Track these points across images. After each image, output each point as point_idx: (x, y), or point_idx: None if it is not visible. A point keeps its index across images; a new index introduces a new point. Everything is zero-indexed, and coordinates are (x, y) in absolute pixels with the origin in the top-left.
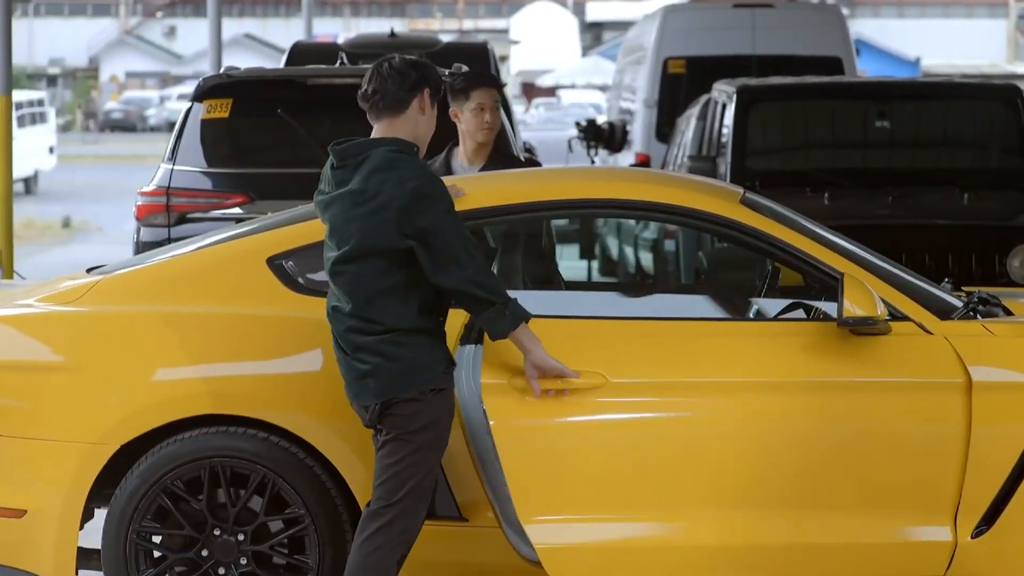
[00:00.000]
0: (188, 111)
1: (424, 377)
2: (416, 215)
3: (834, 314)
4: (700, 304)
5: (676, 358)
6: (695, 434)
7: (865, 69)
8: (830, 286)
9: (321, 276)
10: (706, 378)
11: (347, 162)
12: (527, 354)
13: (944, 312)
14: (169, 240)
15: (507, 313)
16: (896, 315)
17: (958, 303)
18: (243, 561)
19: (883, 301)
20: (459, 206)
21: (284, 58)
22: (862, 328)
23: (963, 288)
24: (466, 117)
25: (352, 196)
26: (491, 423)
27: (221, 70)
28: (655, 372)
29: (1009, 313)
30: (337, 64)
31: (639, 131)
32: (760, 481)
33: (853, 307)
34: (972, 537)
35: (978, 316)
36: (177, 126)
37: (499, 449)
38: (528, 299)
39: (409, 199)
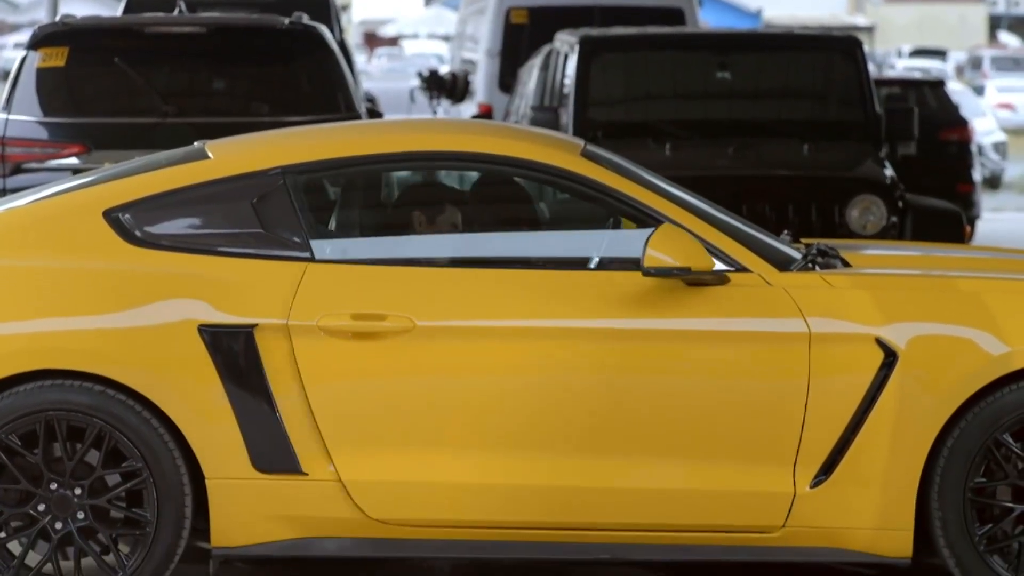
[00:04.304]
0: (23, 60)
1: None
2: None
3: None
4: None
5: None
6: (489, 379)
7: (707, 20)
8: None
9: (159, 229)
10: (508, 322)
11: None
12: None
13: (783, 264)
14: (5, 191)
15: None
16: (735, 266)
17: (797, 255)
18: (80, 515)
19: (722, 252)
20: (300, 158)
21: (122, 6)
22: (690, 278)
23: (802, 240)
24: None
25: None
26: (300, 366)
27: (57, 18)
28: (465, 316)
29: (847, 265)
30: (175, 12)
31: (482, 82)
32: (571, 425)
33: (660, 256)
34: (811, 487)
35: (816, 268)
36: (12, 75)
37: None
38: (359, 245)
39: None
